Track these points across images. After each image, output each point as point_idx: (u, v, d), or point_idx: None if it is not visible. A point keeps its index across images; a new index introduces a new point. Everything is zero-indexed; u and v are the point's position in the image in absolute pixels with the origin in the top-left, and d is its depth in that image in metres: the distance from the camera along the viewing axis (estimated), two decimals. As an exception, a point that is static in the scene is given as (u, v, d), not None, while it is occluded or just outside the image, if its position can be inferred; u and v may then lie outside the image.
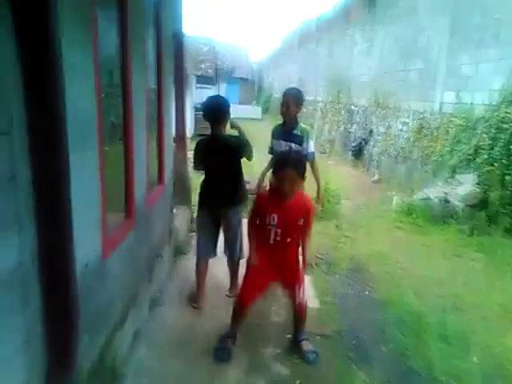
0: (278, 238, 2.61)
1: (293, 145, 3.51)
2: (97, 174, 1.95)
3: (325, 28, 15.05)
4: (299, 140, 3.53)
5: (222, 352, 2.70)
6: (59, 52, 1.41)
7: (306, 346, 2.79)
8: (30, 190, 1.39)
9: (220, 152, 3.16)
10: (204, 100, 3.41)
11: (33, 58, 1.34)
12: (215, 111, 3.22)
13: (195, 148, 3.33)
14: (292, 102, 3.54)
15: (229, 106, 3.28)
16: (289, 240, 2.63)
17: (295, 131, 3.56)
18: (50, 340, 1.55)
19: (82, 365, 1.76)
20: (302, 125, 3.64)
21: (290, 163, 2.52)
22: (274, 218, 2.57)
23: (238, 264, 3.37)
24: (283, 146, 3.57)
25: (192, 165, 3.47)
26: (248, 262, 2.78)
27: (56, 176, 1.47)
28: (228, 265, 3.45)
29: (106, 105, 2.24)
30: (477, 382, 2.63)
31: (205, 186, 3.34)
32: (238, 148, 3.16)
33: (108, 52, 2.29)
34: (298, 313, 2.80)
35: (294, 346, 2.82)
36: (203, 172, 3.35)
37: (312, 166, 3.62)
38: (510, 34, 6.07)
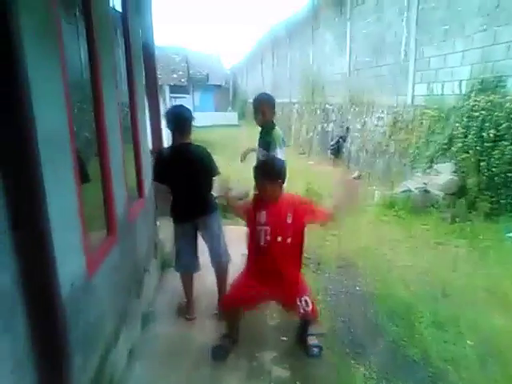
0: (268, 238, 2.58)
1: (264, 152, 3.41)
2: (74, 192, 1.91)
3: (295, 29, 15.22)
4: (268, 147, 3.39)
5: (218, 350, 2.72)
6: (25, 69, 1.37)
7: (311, 340, 2.82)
8: (6, 213, 1.35)
9: (185, 162, 3.08)
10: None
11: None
12: (177, 121, 3.16)
13: (155, 159, 3.26)
14: (266, 107, 3.49)
15: (191, 115, 3.22)
16: (279, 239, 2.58)
17: (267, 138, 3.44)
18: (41, 365, 1.51)
19: (77, 386, 1.71)
20: (275, 130, 3.47)
21: (263, 172, 2.59)
22: (263, 216, 2.58)
23: (226, 270, 3.29)
24: (260, 153, 3.51)
25: (152, 176, 3.34)
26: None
27: (31, 197, 1.43)
28: (216, 276, 3.31)
29: (79, 120, 2.21)
30: (472, 364, 2.68)
31: (174, 198, 3.22)
32: (202, 157, 3.11)
33: (76, 66, 2.26)
34: (304, 320, 2.78)
35: (298, 343, 2.84)
36: (167, 185, 3.23)
37: None
38: (474, 25, 6.25)
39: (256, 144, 3.71)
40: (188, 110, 3.27)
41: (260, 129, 3.64)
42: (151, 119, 5.00)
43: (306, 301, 2.64)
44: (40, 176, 1.45)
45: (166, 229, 4.57)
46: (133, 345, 2.76)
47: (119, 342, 2.46)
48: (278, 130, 3.52)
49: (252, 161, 3.51)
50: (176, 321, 3.21)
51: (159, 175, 3.25)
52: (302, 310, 2.64)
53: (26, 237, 1.43)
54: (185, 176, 3.08)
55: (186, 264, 3.27)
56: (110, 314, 2.37)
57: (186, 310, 3.29)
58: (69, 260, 1.77)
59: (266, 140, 3.43)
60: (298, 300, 2.64)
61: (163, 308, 3.39)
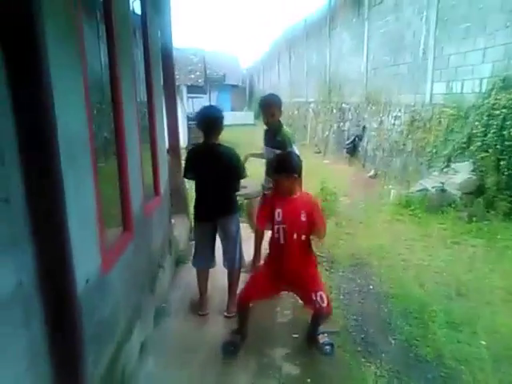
0: (286, 235, 2.62)
1: (277, 151, 3.43)
2: (92, 190, 1.97)
3: (312, 30, 15.17)
4: (281, 145, 3.45)
5: (229, 346, 2.77)
6: (48, 71, 1.43)
7: (323, 338, 2.85)
8: (26, 211, 1.40)
9: (212, 161, 3.15)
10: (198, 110, 3.42)
11: (21, 77, 1.35)
12: (208, 120, 3.23)
13: (186, 156, 3.34)
14: (274, 108, 3.56)
15: (222, 115, 3.29)
16: (295, 236, 2.62)
17: (278, 137, 3.51)
18: (57, 359, 1.55)
19: (90, 381, 1.76)
20: (284, 129, 3.58)
21: (280, 167, 2.64)
22: (279, 214, 2.62)
23: (238, 277, 3.32)
24: (269, 152, 3.55)
25: (183, 173, 3.44)
26: (253, 265, 2.83)
27: (50, 194, 1.47)
28: (228, 278, 3.34)
29: (98, 121, 2.27)
30: (485, 365, 2.64)
31: (198, 196, 3.31)
32: (231, 158, 3.16)
33: (96, 67, 2.32)
34: (318, 317, 2.79)
35: (310, 341, 2.86)
36: (194, 181, 3.34)
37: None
38: (495, 23, 6.14)
39: (262, 145, 3.76)
40: (219, 110, 3.34)
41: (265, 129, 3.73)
42: (168, 119, 5.08)
43: (321, 296, 2.67)
44: (59, 175, 1.49)
45: (180, 226, 4.66)
46: (145, 339, 2.82)
47: (132, 336, 2.52)
48: (286, 129, 3.61)
49: (251, 164, 3.64)
50: (188, 317, 3.27)
51: (187, 172, 3.33)
52: (317, 305, 2.66)
53: (43, 234, 1.46)
54: (209, 175, 3.15)
55: (203, 260, 3.35)
56: (124, 310, 2.43)
57: (198, 305, 3.35)
58: (85, 257, 1.82)
59: (277, 139, 3.50)
60: (313, 295, 2.66)
61: (176, 304, 3.46)
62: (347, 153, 11.01)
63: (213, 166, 3.14)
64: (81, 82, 1.88)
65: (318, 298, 2.66)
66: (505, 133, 5.51)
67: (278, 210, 2.63)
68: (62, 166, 1.51)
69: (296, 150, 3.50)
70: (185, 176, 3.40)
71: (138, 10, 3.39)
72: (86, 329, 1.68)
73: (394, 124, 9.02)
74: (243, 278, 3.28)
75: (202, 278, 3.37)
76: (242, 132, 16.12)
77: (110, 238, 2.28)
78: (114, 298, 2.25)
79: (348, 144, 11.00)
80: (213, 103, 25.45)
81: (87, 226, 1.92)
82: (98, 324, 1.98)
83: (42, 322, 1.49)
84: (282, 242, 2.65)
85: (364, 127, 10.53)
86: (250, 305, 2.81)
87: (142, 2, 3.40)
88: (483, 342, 2.86)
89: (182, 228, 4.70)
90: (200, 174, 3.24)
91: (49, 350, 1.53)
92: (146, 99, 3.54)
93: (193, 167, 3.27)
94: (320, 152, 13.00)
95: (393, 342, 2.93)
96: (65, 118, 1.63)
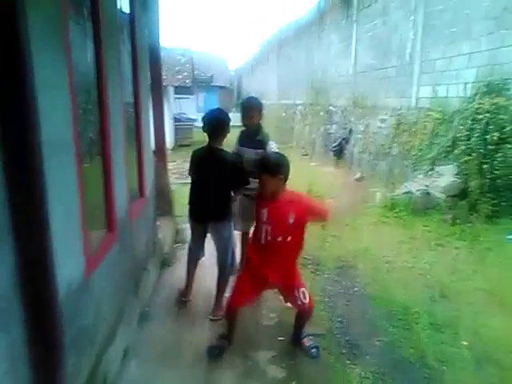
0: (269, 238, 2.58)
1: (258, 151, 3.49)
2: (75, 190, 1.94)
3: (301, 32, 15.22)
4: (262, 144, 3.56)
5: (214, 350, 2.76)
6: (31, 69, 1.40)
7: (308, 341, 2.85)
8: (6, 211, 1.37)
9: (211, 166, 3.16)
10: (205, 112, 3.38)
11: (4, 75, 1.33)
12: (215, 123, 3.23)
13: (191, 155, 3.38)
14: (256, 111, 3.63)
15: (229, 119, 3.30)
16: (280, 239, 2.57)
17: (258, 137, 3.61)
18: (36, 363, 1.52)
19: (72, 385, 1.74)
20: (263, 129, 3.72)
21: (265, 167, 2.59)
22: (264, 214, 2.60)
23: (226, 280, 3.33)
24: (250, 152, 3.55)
25: (188, 172, 3.48)
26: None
27: (32, 194, 1.44)
28: (217, 280, 3.35)
29: (83, 120, 2.24)
30: (468, 365, 2.69)
31: (192, 197, 3.33)
32: (231, 165, 3.16)
33: (83, 66, 2.29)
34: (301, 315, 2.80)
35: (295, 344, 2.86)
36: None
37: None
38: (480, 29, 6.25)
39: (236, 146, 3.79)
40: (226, 114, 3.35)
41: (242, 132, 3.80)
42: (155, 120, 5.05)
43: (303, 292, 2.69)
44: (42, 174, 1.47)
45: (165, 228, 4.63)
46: (129, 343, 2.78)
47: (115, 340, 2.48)
48: (264, 129, 3.76)
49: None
50: (173, 320, 3.23)
51: (190, 171, 3.38)
52: (299, 302, 2.67)
53: (24, 235, 1.43)
54: (206, 179, 3.18)
55: (195, 253, 3.48)
56: (107, 313, 2.40)
57: (183, 292, 3.46)
58: (67, 259, 1.79)
59: (258, 139, 3.58)
60: (296, 291, 2.68)
61: (161, 307, 3.42)
62: (334, 155, 11.07)
63: (211, 171, 3.15)
64: (66, 81, 1.85)
65: (301, 294, 2.68)
66: (488, 137, 5.60)
67: (264, 210, 2.61)
68: (45, 166, 1.48)
69: (273, 145, 3.63)
70: (189, 173, 3.44)
71: (126, 9, 3.36)
72: (66, 333, 1.65)
73: (380, 127, 9.10)
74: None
75: (191, 268, 3.48)
76: (230, 133, 16.06)
77: (94, 240, 2.24)
78: (96, 302, 2.22)
79: (335, 147, 11.06)
80: (200, 104, 25.47)
81: (70, 227, 1.89)
82: (80, 328, 1.95)
83: (22, 325, 1.46)
84: (262, 242, 2.61)
85: (351, 130, 10.61)
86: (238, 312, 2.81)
87: (130, 0, 3.37)
88: (465, 343, 2.91)
89: (167, 230, 4.66)
90: (197, 176, 3.28)
91: (28, 354, 1.50)
92: (132, 99, 3.51)
93: (192, 167, 3.33)
94: (307, 154, 13.05)
95: (377, 343, 2.95)
96: (49, 117, 1.61)
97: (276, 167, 2.57)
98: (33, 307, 1.50)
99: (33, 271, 1.48)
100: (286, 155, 2.73)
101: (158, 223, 4.42)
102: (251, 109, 3.64)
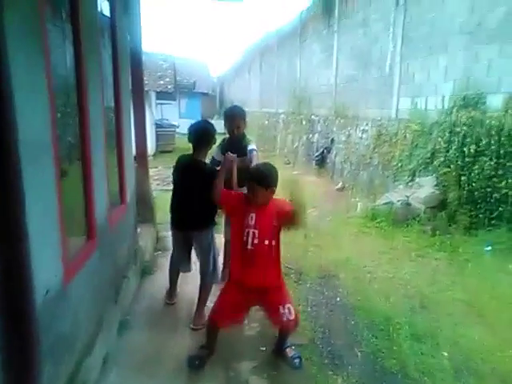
0: (256, 241, 2.54)
1: (246, 158, 3.46)
2: (54, 195, 1.88)
3: (283, 41, 15.36)
4: (245, 151, 3.54)
5: (195, 359, 2.69)
6: (7, 69, 1.36)
7: (291, 352, 2.81)
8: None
9: (192, 177, 3.14)
10: (191, 123, 3.38)
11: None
12: (201, 135, 3.23)
13: (176, 160, 3.37)
14: (240, 121, 3.64)
15: (214, 132, 3.28)
16: (266, 242, 2.55)
17: (243, 144, 3.60)
18: (11, 372, 1.47)
19: (46, 397, 1.67)
20: (247, 136, 3.72)
21: (259, 179, 2.56)
22: (252, 218, 2.56)
23: (208, 290, 3.28)
24: (238, 161, 3.51)
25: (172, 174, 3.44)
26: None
27: (8, 198, 1.40)
28: (199, 291, 3.29)
29: (62, 124, 2.18)
30: (448, 376, 2.70)
31: (175, 203, 3.30)
32: (209, 178, 3.07)
33: (62, 68, 2.24)
34: (285, 329, 2.75)
35: (278, 355, 2.83)
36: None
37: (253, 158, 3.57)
38: (455, 43, 6.43)
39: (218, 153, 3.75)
40: (212, 126, 3.33)
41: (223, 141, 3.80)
42: (136, 125, 4.97)
43: (289, 308, 2.61)
44: (19, 177, 1.42)
45: (146, 236, 4.54)
46: (108, 351, 2.70)
47: (94, 349, 2.41)
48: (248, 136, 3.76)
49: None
50: (153, 329, 3.16)
51: (173, 174, 3.36)
52: (285, 319, 2.60)
53: (1, 240, 1.39)
54: (186, 189, 3.18)
55: (176, 264, 3.48)
56: (86, 321, 2.33)
57: (167, 295, 3.49)
58: (45, 265, 1.74)
59: (242, 146, 3.56)
60: (281, 308, 2.60)
61: (141, 315, 3.34)
62: (316, 165, 11.15)
63: (193, 180, 3.13)
64: (44, 82, 1.80)
65: (286, 311, 2.60)
66: (465, 149, 5.74)
67: (252, 214, 2.57)
68: (22, 169, 1.43)
69: (253, 145, 3.63)
70: (173, 175, 3.40)
71: (107, 11, 3.30)
72: (43, 340, 1.60)
73: (361, 137, 9.22)
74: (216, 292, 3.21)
75: (173, 275, 3.50)
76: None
77: (73, 247, 2.18)
78: (75, 310, 2.15)
79: (317, 156, 11.15)
80: (182, 110, 25.35)
81: (48, 232, 1.83)
82: (58, 335, 1.89)
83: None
84: (249, 246, 2.55)
85: (332, 139, 10.71)
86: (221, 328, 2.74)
87: (110, 3, 3.32)
88: (445, 354, 2.93)
89: (148, 238, 4.57)
90: (180, 182, 3.26)
91: (3, 363, 1.44)
92: (113, 104, 3.44)
93: (176, 173, 3.31)
94: (289, 163, 13.11)
95: (359, 354, 2.94)
96: (26, 117, 1.56)
97: (270, 180, 2.57)
98: (8, 314, 1.45)
99: (8, 277, 1.43)
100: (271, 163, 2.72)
101: (138, 230, 4.33)
102: (235, 118, 3.64)
